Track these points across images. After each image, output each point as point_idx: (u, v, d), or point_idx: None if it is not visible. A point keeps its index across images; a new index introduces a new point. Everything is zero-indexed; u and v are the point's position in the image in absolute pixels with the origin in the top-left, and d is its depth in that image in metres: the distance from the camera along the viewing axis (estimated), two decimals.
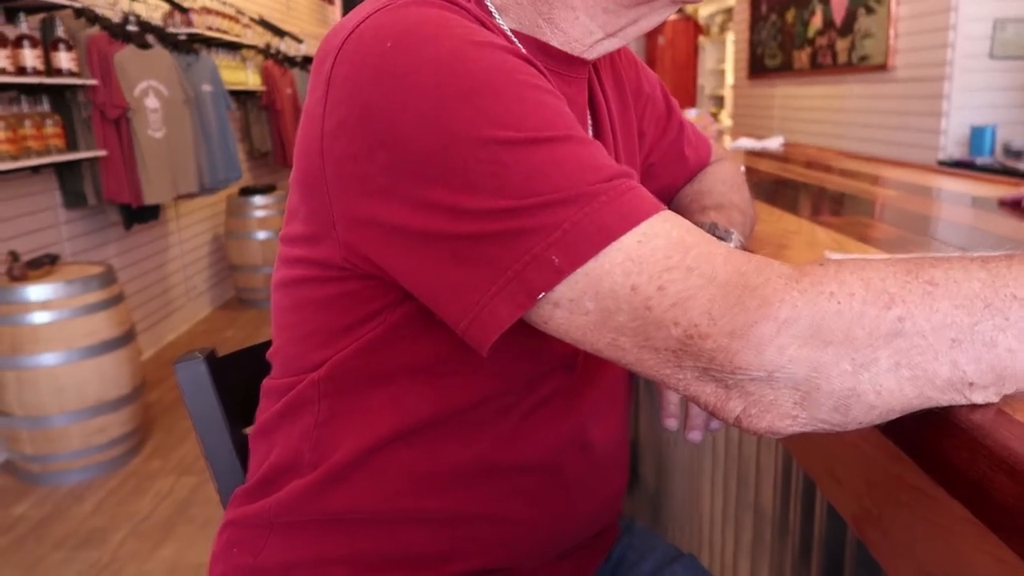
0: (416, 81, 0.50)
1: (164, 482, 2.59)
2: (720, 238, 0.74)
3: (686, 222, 0.50)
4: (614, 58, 0.80)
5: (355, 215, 0.55)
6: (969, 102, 3.39)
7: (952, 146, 3.43)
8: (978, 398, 0.45)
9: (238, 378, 0.83)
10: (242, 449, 0.80)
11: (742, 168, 1.01)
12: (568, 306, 0.48)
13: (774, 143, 2.50)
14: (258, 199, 4.64)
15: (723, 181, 0.92)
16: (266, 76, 5.29)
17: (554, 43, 0.66)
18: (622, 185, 0.50)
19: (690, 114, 2.74)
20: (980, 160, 3.18)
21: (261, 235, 4.63)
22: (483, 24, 0.60)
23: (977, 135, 3.30)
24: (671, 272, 0.46)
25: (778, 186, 1.55)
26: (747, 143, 2.55)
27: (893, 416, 0.45)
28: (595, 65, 0.74)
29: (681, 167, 0.94)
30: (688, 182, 0.94)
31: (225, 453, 0.81)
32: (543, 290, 0.48)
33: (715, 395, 0.46)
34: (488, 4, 0.64)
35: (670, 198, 0.95)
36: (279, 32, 5.88)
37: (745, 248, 0.78)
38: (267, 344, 0.76)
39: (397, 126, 0.50)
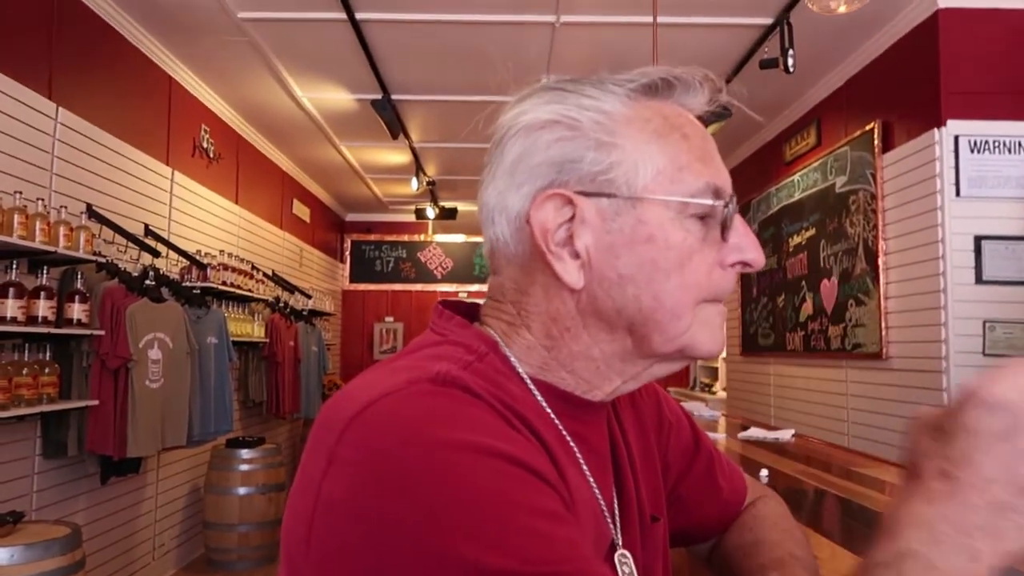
0: (417, 496, 0.49)
1: None
2: None
3: None
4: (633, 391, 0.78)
5: None
6: None
7: None
8: None
9: None
10: None
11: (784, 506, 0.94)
12: None
13: (785, 435, 2.45)
14: (244, 452, 4.48)
15: (773, 527, 0.85)
16: (271, 328, 5.39)
17: (575, 391, 0.66)
18: None
19: None
20: None
21: (242, 490, 4.41)
22: (500, 374, 0.61)
23: None
24: None
25: (810, 499, 1.47)
26: (757, 433, 2.50)
27: None
28: (614, 399, 0.73)
29: (716, 500, 0.88)
30: (732, 526, 0.86)
31: None
32: None
33: None
34: (507, 353, 0.65)
35: (708, 536, 0.87)
36: (289, 287, 6.10)
37: None
38: None
39: (390, 532, 0.48)
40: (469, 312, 0.71)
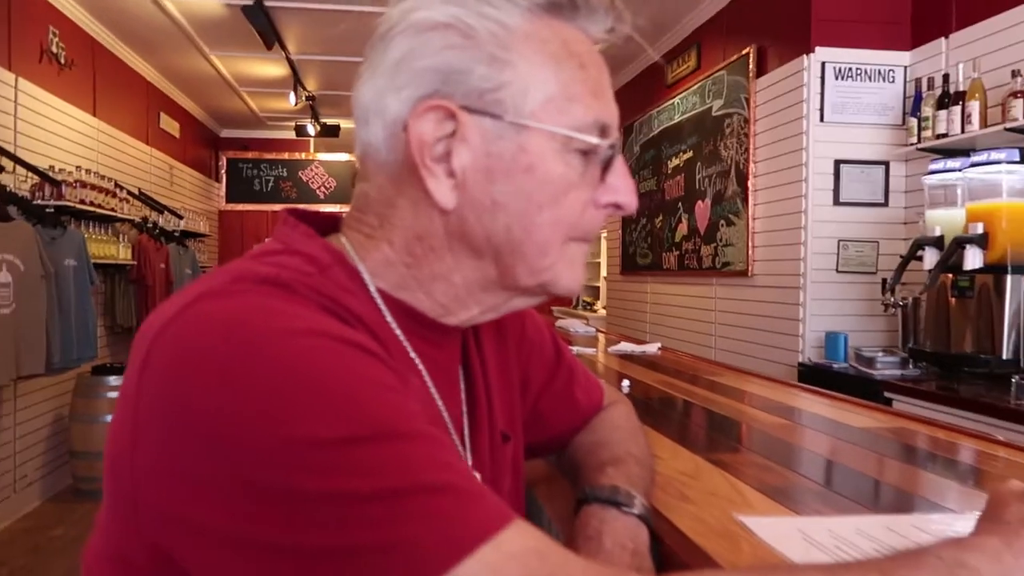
0: (240, 381, 0.47)
1: None
2: (622, 504, 0.70)
3: (537, 531, 0.48)
4: None
5: (168, 515, 0.48)
6: (822, 310, 3.67)
7: (810, 350, 3.66)
8: None
9: None
10: None
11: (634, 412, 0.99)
12: None
13: (652, 348, 2.57)
14: (112, 379, 4.29)
15: (617, 428, 0.90)
16: (139, 250, 5.10)
17: (429, 313, 0.65)
18: (472, 490, 0.47)
19: None
20: (837, 365, 3.39)
21: (110, 418, 4.22)
22: (343, 289, 0.59)
23: (832, 341, 3.54)
24: None
25: (664, 406, 1.56)
26: (627, 347, 2.61)
27: None
28: None
29: (572, 412, 0.91)
30: (582, 429, 0.90)
31: None
32: None
33: None
34: (357, 266, 0.63)
35: (563, 444, 0.91)
36: (158, 207, 5.76)
37: (648, 508, 0.73)
38: None
39: (218, 428, 0.46)
40: (325, 223, 0.69)
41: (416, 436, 0.48)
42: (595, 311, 7.57)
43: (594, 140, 0.61)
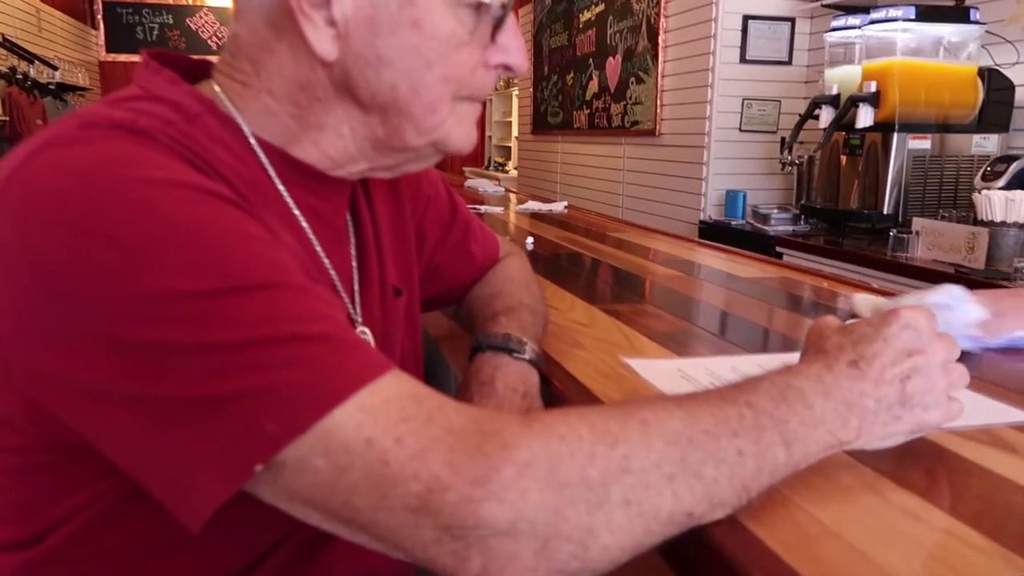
0: (99, 230, 0.45)
1: None
2: (514, 350, 0.73)
3: (413, 379, 0.49)
4: None
5: (38, 373, 0.48)
6: (724, 169, 3.76)
7: (711, 208, 3.78)
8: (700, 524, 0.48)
9: None
10: None
11: (528, 261, 1.01)
12: (296, 465, 0.44)
13: (558, 206, 2.60)
14: None
15: (511, 280, 0.92)
16: (11, 104, 4.68)
17: (316, 165, 0.63)
18: (348, 340, 0.48)
19: None
20: (735, 222, 3.53)
21: None
22: (214, 140, 0.56)
23: (731, 199, 3.66)
24: (409, 423, 0.44)
25: (566, 262, 1.59)
26: (534, 205, 2.63)
27: (625, 558, 0.45)
28: None
29: (468, 265, 0.93)
30: (477, 281, 0.92)
31: None
32: (259, 462, 0.43)
33: (453, 556, 0.43)
34: (233, 115, 0.59)
35: (460, 297, 0.93)
36: (27, 56, 5.25)
37: (539, 353, 0.77)
38: None
39: (80, 281, 0.45)
40: (193, 69, 0.64)
41: (286, 287, 0.48)
42: (507, 171, 7.53)
43: None
